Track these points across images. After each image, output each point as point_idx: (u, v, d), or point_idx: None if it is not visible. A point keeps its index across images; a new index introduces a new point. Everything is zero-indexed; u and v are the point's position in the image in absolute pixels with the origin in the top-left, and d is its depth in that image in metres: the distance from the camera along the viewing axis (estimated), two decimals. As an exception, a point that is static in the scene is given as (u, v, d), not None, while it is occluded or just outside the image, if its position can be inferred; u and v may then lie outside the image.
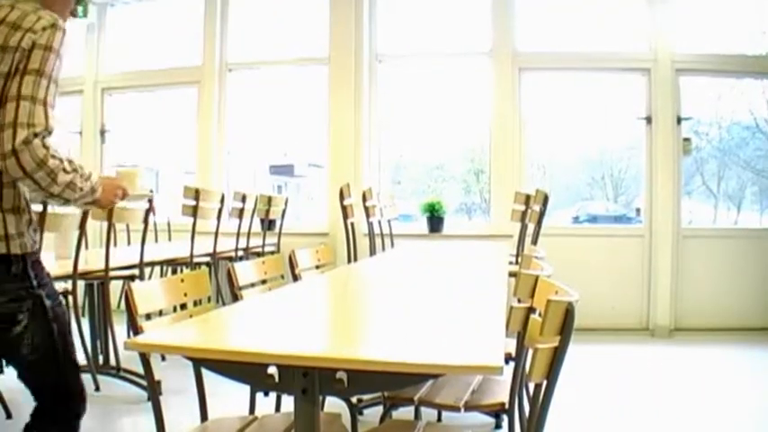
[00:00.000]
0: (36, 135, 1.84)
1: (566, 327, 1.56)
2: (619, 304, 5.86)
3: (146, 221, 4.32)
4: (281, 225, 5.97)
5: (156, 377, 1.96)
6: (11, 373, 4.31)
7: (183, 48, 6.90)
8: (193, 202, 4.87)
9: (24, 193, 1.96)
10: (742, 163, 6.46)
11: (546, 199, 4.67)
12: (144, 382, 3.85)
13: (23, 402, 3.68)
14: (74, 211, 3.81)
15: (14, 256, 1.90)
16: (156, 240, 5.75)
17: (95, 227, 5.86)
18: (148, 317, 1.96)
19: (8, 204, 1.91)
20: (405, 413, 2.60)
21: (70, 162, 1.92)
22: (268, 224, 5.82)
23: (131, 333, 1.83)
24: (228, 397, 2.67)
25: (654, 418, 3.68)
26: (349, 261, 4.80)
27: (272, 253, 5.93)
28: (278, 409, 2.99)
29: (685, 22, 5.93)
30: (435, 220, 6.07)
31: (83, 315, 4.24)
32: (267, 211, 5.63)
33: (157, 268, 5.28)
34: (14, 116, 1.83)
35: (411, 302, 2.45)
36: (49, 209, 3.52)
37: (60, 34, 1.92)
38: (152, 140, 8.37)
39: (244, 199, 5.40)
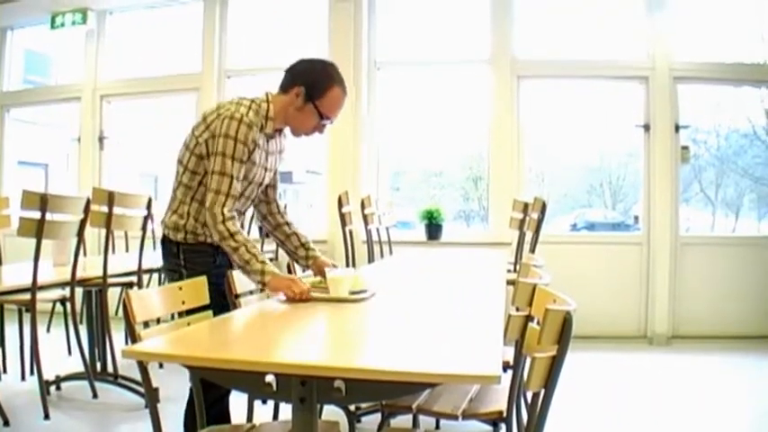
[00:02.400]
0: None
1: (564, 336, 1.56)
2: (617, 312, 5.86)
3: (144, 228, 4.32)
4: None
5: (154, 384, 1.96)
6: (8, 379, 4.31)
7: (181, 54, 6.92)
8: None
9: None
10: (740, 171, 6.48)
11: (544, 207, 4.67)
12: (142, 390, 3.85)
13: (20, 408, 3.69)
14: (72, 219, 3.81)
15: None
16: (155, 248, 5.73)
17: (94, 234, 5.85)
18: (146, 324, 1.95)
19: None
20: (403, 421, 2.59)
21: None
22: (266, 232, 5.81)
23: (129, 341, 1.82)
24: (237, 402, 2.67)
25: (652, 425, 3.68)
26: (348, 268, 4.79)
27: (271, 260, 5.91)
28: (275, 417, 2.99)
29: (683, 31, 5.94)
30: (434, 227, 6.07)
31: (81, 322, 4.24)
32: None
33: (156, 276, 5.27)
34: None
35: (409, 310, 2.45)
36: (48, 216, 3.52)
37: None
38: (151, 147, 8.38)
39: (242, 206, 5.39)
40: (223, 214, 2.46)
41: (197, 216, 2.61)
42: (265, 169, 2.69)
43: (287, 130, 2.77)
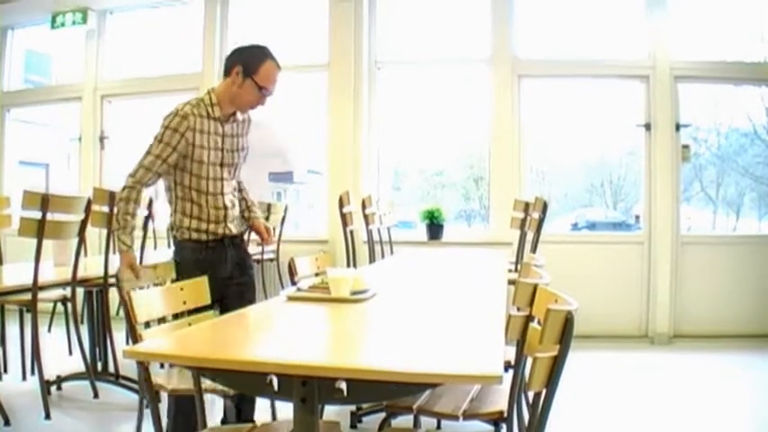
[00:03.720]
0: None
1: (565, 336, 1.56)
2: (618, 311, 5.86)
3: (145, 228, 4.32)
4: (281, 232, 5.96)
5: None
6: (9, 379, 4.31)
7: (182, 54, 6.91)
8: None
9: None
10: (741, 169, 6.47)
11: (545, 206, 4.67)
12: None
13: (21, 408, 3.69)
14: (73, 219, 3.81)
15: None
16: (156, 247, 5.73)
17: (95, 234, 5.85)
18: (147, 324, 1.95)
19: None
20: (404, 422, 2.59)
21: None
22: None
23: (130, 341, 1.82)
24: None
25: (653, 425, 3.68)
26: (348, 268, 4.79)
27: (272, 260, 5.93)
28: (273, 417, 2.99)
29: (684, 29, 5.94)
30: (435, 227, 6.07)
31: (82, 322, 4.24)
32: (266, 219, 5.62)
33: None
34: None
35: (410, 311, 2.45)
36: (49, 216, 3.52)
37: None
38: (151, 147, 8.35)
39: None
40: (127, 180, 2.88)
41: (183, 210, 2.94)
42: (224, 150, 2.99)
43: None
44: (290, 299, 2.46)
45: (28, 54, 7.80)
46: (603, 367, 4.95)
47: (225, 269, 2.94)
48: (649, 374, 4.82)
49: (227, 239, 2.98)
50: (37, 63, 8.17)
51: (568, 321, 1.56)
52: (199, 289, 2.27)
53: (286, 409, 2.70)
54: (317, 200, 6.99)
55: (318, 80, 6.43)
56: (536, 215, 4.70)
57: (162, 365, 3.92)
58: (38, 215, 3.49)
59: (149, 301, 2.04)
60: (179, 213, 2.95)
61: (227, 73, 2.97)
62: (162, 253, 5.51)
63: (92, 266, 4.21)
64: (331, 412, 2.66)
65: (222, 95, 2.96)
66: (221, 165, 2.98)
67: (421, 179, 7.03)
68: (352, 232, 4.83)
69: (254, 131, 3.22)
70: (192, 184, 2.91)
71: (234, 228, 3.01)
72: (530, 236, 4.80)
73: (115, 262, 4.24)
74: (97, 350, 4.27)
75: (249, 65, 2.92)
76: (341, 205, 4.70)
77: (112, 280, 4.12)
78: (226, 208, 2.97)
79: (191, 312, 2.20)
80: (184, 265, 2.81)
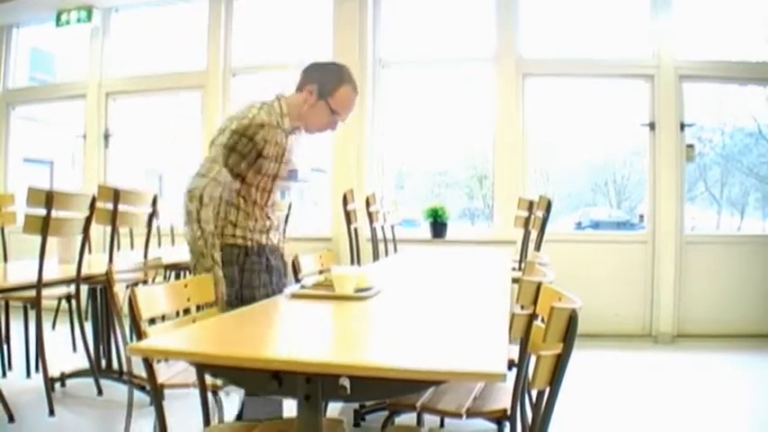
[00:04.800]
0: None
1: (569, 334, 1.56)
2: (622, 310, 5.85)
3: (149, 226, 4.33)
4: (284, 230, 5.95)
5: (159, 381, 1.96)
6: (13, 376, 4.32)
7: (186, 52, 6.92)
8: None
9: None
10: (745, 169, 6.46)
11: (549, 205, 4.67)
12: (147, 387, 3.85)
13: (25, 405, 3.70)
14: (77, 216, 3.82)
15: None
16: (160, 245, 5.74)
17: (99, 231, 5.86)
18: (152, 321, 1.96)
19: None
20: (407, 419, 2.60)
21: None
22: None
23: (135, 338, 1.83)
24: (230, 401, 2.68)
25: (656, 424, 3.67)
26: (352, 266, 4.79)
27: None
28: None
29: (688, 29, 5.92)
30: (438, 225, 6.07)
31: (86, 319, 4.25)
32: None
33: (161, 273, 5.28)
34: None
35: (414, 308, 2.45)
36: (53, 213, 3.53)
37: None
38: (156, 145, 8.39)
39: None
40: (201, 198, 2.58)
41: (226, 216, 2.76)
42: (281, 163, 2.83)
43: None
44: (294, 296, 2.47)
45: (33, 52, 7.82)
46: (606, 366, 4.94)
47: (263, 277, 2.82)
48: (653, 374, 4.81)
49: (269, 247, 2.85)
50: (42, 61, 8.19)
51: (572, 319, 1.56)
52: (203, 286, 2.28)
53: (287, 409, 2.71)
54: (322, 198, 7.00)
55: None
56: (540, 214, 4.69)
57: (165, 361, 3.94)
58: (42, 212, 3.50)
59: (154, 297, 2.04)
60: (220, 219, 2.76)
61: (299, 88, 2.83)
62: (165, 251, 5.52)
63: (96, 263, 4.21)
64: (334, 410, 2.66)
65: (292, 109, 2.81)
66: (275, 177, 2.85)
67: (425, 178, 7.03)
68: (356, 230, 4.83)
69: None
70: (242, 191, 2.75)
71: (274, 238, 2.91)
72: (533, 235, 4.79)
73: (118, 259, 4.28)
74: (101, 347, 4.27)
75: (325, 86, 2.78)
76: (345, 203, 4.70)
77: (116, 277, 4.13)
78: (269, 219, 2.86)
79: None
80: (225, 269, 2.69)
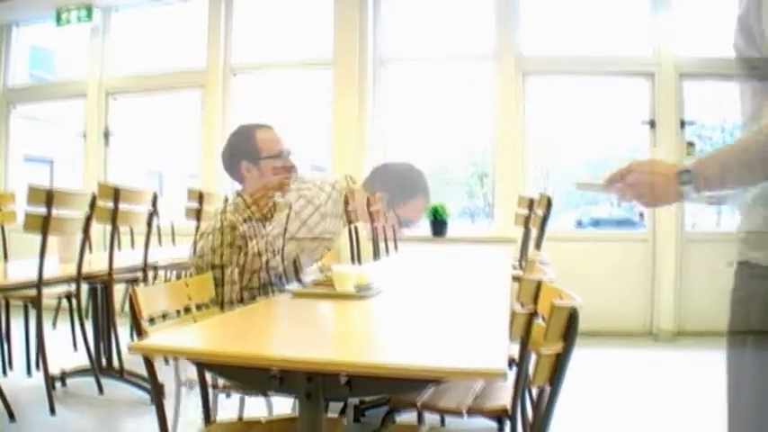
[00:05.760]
0: None
1: (569, 332, 1.56)
2: (622, 308, 5.85)
3: (149, 224, 4.33)
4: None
5: (159, 380, 1.96)
6: (14, 375, 4.33)
7: (187, 51, 6.92)
8: (197, 206, 4.88)
9: None
10: (745, 167, 6.45)
11: (549, 203, 4.65)
12: (147, 385, 3.86)
13: (26, 404, 3.70)
14: (77, 215, 3.82)
15: None
16: (160, 243, 5.74)
17: (99, 230, 5.86)
18: (152, 320, 1.96)
19: None
20: (407, 418, 2.59)
21: None
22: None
23: (136, 336, 1.83)
24: (231, 400, 2.68)
25: (657, 422, 3.67)
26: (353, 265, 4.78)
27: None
28: (270, 412, 2.99)
29: (689, 27, 5.92)
30: (439, 223, 6.06)
31: (86, 318, 4.24)
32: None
33: (161, 272, 5.28)
34: None
35: (414, 306, 2.45)
36: (53, 211, 3.53)
37: None
38: (156, 143, 8.39)
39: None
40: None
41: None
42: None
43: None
44: (295, 295, 2.47)
45: (33, 50, 7.83)
46: (607, 364, 4.94)
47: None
48: (653, 372, 4.81)
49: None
50: (42, 59, 8.20)
51: (573, 317, 1.56)
52: (203, 284, 2.28)
53: (284, 407, 2.71)
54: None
55: (323, 77, 6.43)
56: (540, 212, 4.68)
57: (166, 361, 3.94)
58: (42, 211, 3.50)
59: (154, 296, 2.04)
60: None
61: (238, 177, 2.83)
62: (166, 250, 5.53)
63: (96, 262, 4.21)
64: (333, 411, 2.65)
65: (252, 194, 2.79)
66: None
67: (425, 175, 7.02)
68: (356, 228, 4.83)
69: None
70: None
71: None
72: (534, 233, 4.79)
73: (120, 258, 4.27)
74: (102, 346, 4.28)
75: (248, 151, 2.78)
76: (345, 201, 4.69)
77: (117, 276, 4.13)
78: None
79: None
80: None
